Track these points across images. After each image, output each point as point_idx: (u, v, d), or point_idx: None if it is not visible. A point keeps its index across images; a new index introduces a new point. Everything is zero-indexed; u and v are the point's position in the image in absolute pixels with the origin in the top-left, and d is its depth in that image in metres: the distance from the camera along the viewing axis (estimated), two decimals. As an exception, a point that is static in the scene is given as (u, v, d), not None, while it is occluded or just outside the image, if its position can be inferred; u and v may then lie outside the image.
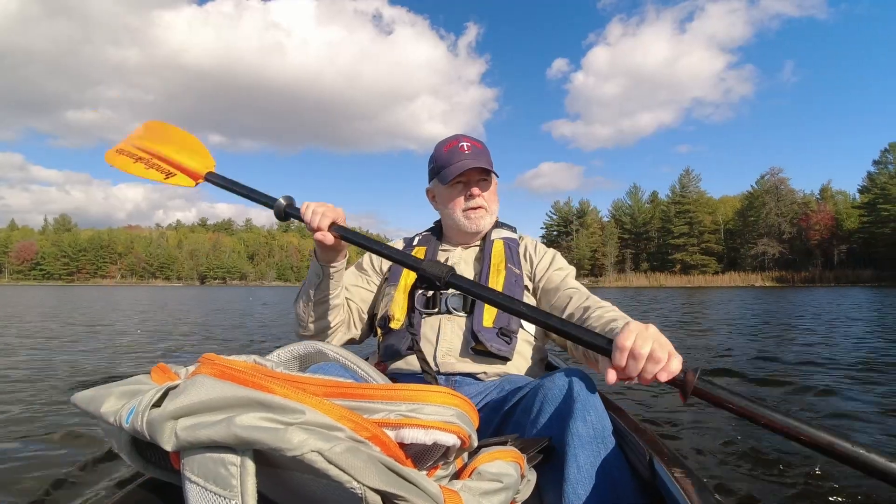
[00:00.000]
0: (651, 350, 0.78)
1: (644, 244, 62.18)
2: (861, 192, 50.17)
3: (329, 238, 1.12)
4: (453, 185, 1.37)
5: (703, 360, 4.66)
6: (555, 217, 68.94)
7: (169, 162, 1.42)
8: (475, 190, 1.36)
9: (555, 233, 66.91)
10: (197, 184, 1.40)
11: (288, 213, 1.21)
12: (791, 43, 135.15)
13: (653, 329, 0.82)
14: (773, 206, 52.07)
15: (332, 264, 1.23)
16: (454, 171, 1.32)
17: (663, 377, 0.79)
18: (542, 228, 69.06)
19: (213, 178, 1.37)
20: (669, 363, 0.79)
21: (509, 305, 0.95)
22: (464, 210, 1.37)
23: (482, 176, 1.37)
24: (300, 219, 1.17)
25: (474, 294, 1.00)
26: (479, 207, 1.37)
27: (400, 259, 1.11)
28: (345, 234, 1.15)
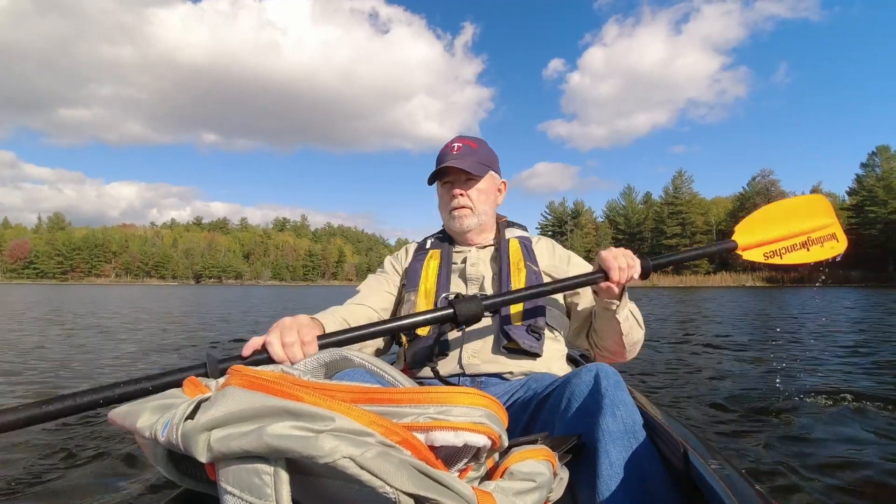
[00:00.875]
0: (626, 261, 1.16)
1: (637, 244, 62.53)
2: (849, 194, 50.92)
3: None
4: (443, 185, 1.39)
5: (693, 353, 4.70)
6: (550, 217, 69.25)
7: None
8: (456, 190, 1.35)
9: (549, 233, 67.07)
10: None
11: (225, 366, 0.84)
12: (785, 45, 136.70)
13: (616, 249, 1.18)
14: (765, 208, 52.55)
15: None
16: (436, 171, 1.35)
17: (636, 274, 1.16)
18: (536, 229, 69.07)
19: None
20: (635, 264, 1.17)
21: (537, 291, 1.15)
22: (449, 210, 1.37)
23: (468, 175, 1.36)
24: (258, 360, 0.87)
25: (512, 300, 1.12)
26: (463, 207, 1.36)
27: (422, 322, 1.06)
28: (331, 341, 0.93)
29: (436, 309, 1.09)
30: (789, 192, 54.84)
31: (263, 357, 0.86)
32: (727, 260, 55.18)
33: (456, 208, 1.36)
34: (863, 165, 49.08)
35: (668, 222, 58.38)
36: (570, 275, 1.35)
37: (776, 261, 1.50)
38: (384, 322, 1.03)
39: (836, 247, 1.54)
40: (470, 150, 1.35)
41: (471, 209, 1.36)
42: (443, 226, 1.52)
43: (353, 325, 1.11)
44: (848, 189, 51.51)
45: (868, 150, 50.26)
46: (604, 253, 1.18)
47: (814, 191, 55.54)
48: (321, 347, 0.90)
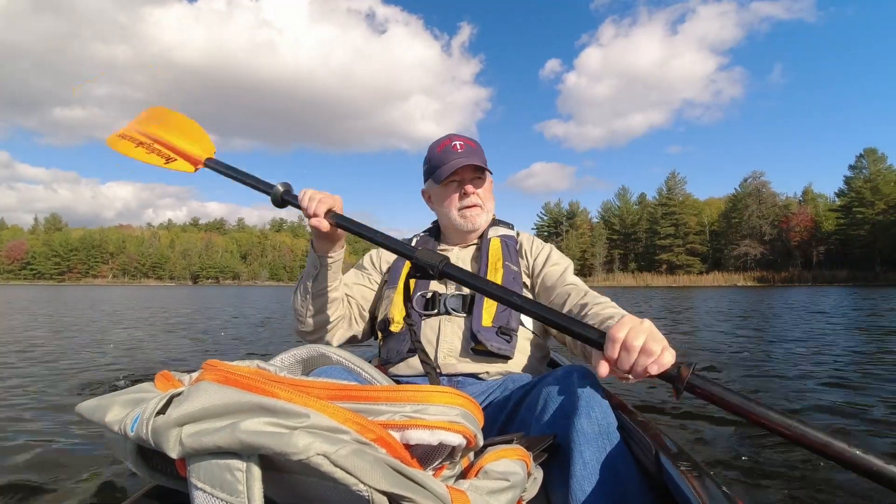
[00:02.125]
0: (644, 343, 0.77)
1: (632, 245, 63.02)
2: (838, 195, 51.62)
3: (325, 225, 1.10)
4: (447, 185, 1.38)
5: (687, 352, 4.72)
6: (545, 218, 69.54)
7: (169, 147, 1.42)
8: (469, 188, 1.36)
9: (545, 234, 67.31)
10: (197, 169, 1.40)
11: (285, 199, 1.20)
12: (780, 45, 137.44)
13: (648, 323, 0.81)
14: (755, 209, 53.31)
15: (330, 254, 1.21)
16: (448, 169, 1.33)
17: (654, 370, 0.77)
18: (532, 229, 69.40)
19: (213, 164, 1.37)
20: (662, 357, 0.77)
21: (504, 297, 0.93)
22: (459, 209, 1.37)
23: (476, 174, 1.37)
24: (297, 206, 1.15)
25: (469, 284, 0.96)
26: (474, 206, 1.37)
27: (394, 247, 1.08)
28: (340, 222, 1.13)
29: (406, 246, 1.06)
30: (781, 193, 55.51)
31: (295, 202, 1.18)
32: (720, 260, 55.76)
33: (469, 206, 1.37)
34: (851, 167, 49.89)
35: (661, 223, 58.89)
36: (545, 272, 1.32)
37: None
38: (382, 235, 1.10)
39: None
40: (471, 148, 1.37)
41: (480, 207, 1.38)
42: (433, 223, 1.52)
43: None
44: (837, 190, 52.37)
45: (857, 151, 50.98)
46: (627, 319, 0.82)
47: (806, 191, 56.24)
48: (329, 215, 1.11)
